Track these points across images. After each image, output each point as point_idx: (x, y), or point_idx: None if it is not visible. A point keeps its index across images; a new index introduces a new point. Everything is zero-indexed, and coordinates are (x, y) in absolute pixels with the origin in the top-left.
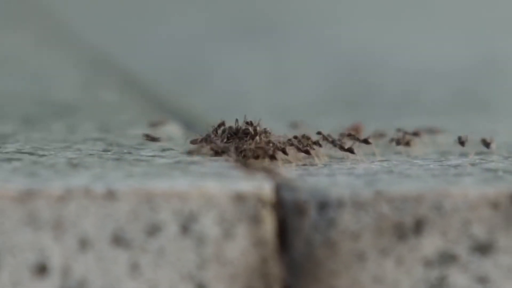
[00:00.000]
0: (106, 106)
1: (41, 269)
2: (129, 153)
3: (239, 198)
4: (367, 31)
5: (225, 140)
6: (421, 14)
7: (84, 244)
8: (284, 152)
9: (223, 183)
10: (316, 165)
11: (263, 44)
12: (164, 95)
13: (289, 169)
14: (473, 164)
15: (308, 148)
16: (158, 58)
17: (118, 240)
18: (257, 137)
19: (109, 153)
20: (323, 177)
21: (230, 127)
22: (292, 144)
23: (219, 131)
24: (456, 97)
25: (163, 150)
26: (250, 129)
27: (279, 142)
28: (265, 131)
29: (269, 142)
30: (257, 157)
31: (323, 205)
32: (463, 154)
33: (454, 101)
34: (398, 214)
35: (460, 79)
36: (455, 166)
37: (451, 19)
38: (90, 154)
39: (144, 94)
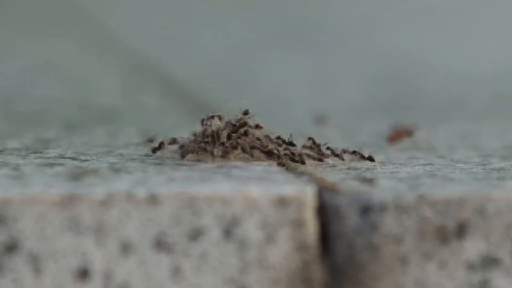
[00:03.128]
0: (147, 110)
1: (83, 274)
2: (172, 157)
3: (282, 202)
4: (410, 35)
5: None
6: (464, 18)
7: (126, 248)
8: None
9: (266, 187)
10: (359, 169)
11: (305, 49)
12: (206, 99)
13: (332, 173)
14: None
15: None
16: (200, 63)
17: (160, 245)
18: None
19: (151, 157)
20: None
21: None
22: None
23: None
24: (498, 101)
25: None
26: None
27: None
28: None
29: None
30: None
31: (366, 209)
32: (506, 158)
33: (496, 106)
34: (440, 218)
35: (503, 83)
36: (498, 170)
37: (494, 23)
38: (132, 159)
39: (186, 99)
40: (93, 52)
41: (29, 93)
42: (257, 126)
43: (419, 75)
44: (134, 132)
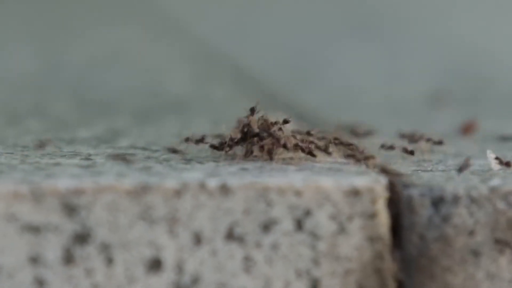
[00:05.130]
0: (217, 100)
1: (156, 264)
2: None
3: (354, 193)
4: (480, 24)
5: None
6: None
7: (198, 239)
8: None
9: (338, 178)
10: (431, 161)
11: (375, 39)
12: (276, 89)
13: (404, 164)
14: None
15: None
16: (270, 53)
17: (233, 235)
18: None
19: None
20: (437, 172)
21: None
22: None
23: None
24: None
25: None
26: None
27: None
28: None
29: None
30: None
31: (438, 201)
32: None
33: None
34: None
35: None
36: None
37: None
38: (204, 149)
39: (255, 88)
40: (162, 41)
41: (99, 82)
42: (285, 121)
43: (489, 65)
44: (205, 121)
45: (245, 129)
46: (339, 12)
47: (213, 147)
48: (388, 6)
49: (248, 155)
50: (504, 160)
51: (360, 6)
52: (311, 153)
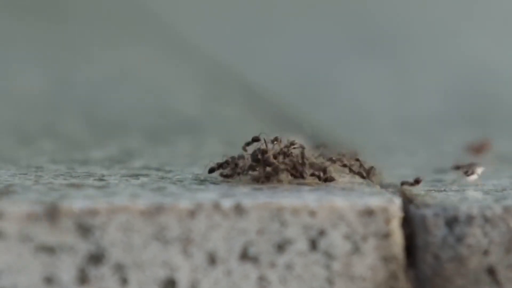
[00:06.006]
0: (229, 120)
1: (170, 284)
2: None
3: (368, 213)
4: (490, 43)
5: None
6: None
7: (213, 259)
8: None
9: (352, 198)
10: (444, 181)
11: (384, 58)
12: (286, 109)
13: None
14: None
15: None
16: (280, 72)
17: (247, 255)
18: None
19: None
20: (451, 192)
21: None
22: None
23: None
24: None
25: None
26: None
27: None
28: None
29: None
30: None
31: (453, 220)
32: None
33: None
34: None
35: None
36: None
37: None
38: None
39: (267, 108)
40: (172, 60)
41: (109, 102)
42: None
43: (500, 84)
44: (217, 141)
45: (259, 156)
46: (349, 31)
47: (224, 176)
48: (398, 26)
49: (262, 181)
50: None
51: (370, 26)
52: (327, 180)
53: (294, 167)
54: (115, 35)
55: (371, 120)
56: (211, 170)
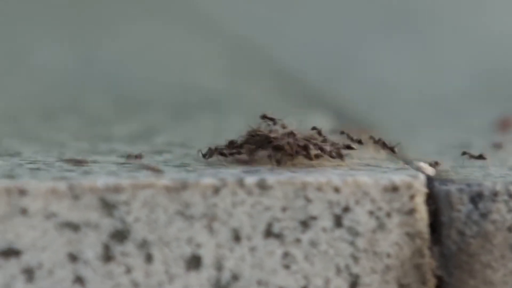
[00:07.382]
0: (252, 97)
1: (195, 261)
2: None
3: (393, 190)
4: None
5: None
6: None
7: (237, 236)
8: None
9: (376, 174)
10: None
11: (410, 34)
12: (312, 86)
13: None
14: None
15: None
16: (305, 49)
17: (272, 232)
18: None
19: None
20: (476, 168)
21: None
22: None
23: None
24: None
25: None
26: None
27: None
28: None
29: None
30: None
31: (477, 196)
32: None
33: None
34: None
35: None
36: None
37: None
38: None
39: (291, 85)
40: (197, 36)
41: (133, 78)
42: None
43: None
44: (240, 118)
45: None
46: (374, 7)
47: (222, 154)
48: (424, 2)
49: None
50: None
51: (396, 2)
52: (339, 156)
53: (306, 148)
54: (139, 11)
55: (397, 96)
56: (210, 154)
